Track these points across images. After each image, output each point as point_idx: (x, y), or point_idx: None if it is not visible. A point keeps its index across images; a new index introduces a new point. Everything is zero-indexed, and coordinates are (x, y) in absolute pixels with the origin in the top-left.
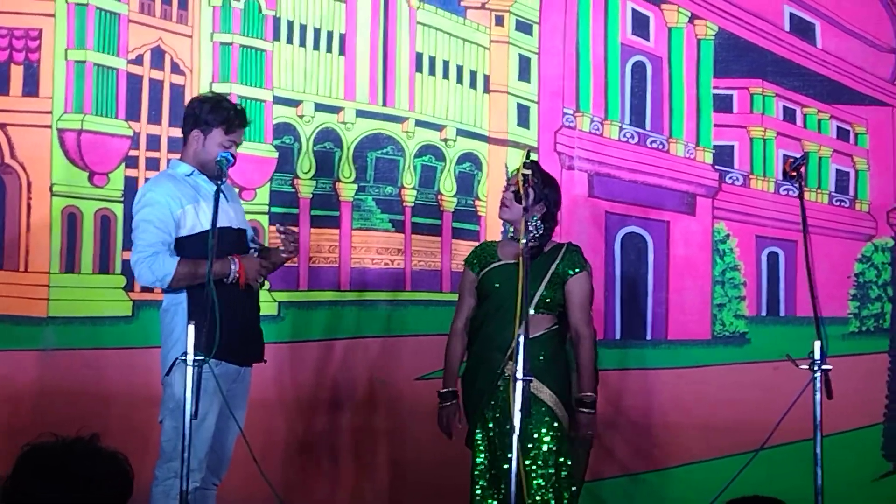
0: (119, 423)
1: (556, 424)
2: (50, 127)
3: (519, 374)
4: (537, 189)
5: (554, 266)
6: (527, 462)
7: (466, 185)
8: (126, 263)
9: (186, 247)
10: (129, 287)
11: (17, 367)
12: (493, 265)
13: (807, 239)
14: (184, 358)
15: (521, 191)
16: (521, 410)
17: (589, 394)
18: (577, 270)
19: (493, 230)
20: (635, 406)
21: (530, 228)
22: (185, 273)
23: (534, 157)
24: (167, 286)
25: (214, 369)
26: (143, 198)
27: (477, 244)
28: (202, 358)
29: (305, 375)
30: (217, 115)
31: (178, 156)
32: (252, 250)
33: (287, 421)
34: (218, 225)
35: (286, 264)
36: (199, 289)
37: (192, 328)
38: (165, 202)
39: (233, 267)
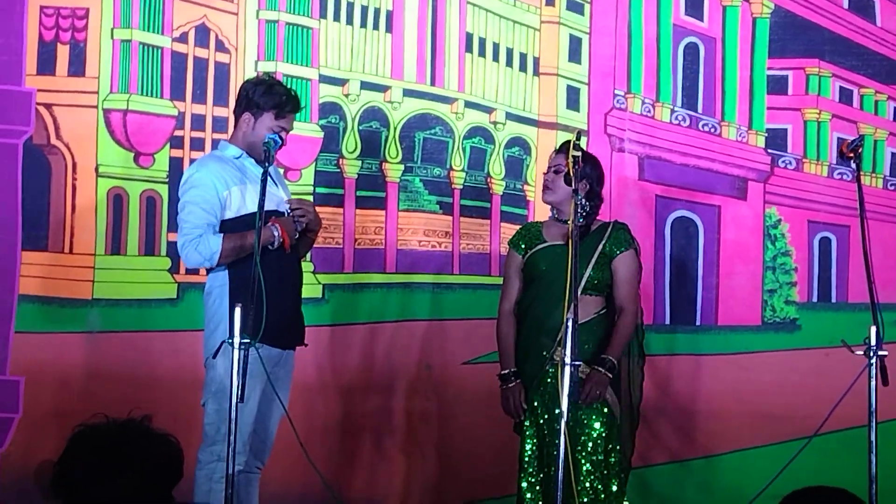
0: (164, 406)
1: (605, 410)
2: (96, 107)
3: (567, 359)
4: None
5: (601, 246)
6: (577, 447)
7: (515, 169)
8: (171, 245)
9: (232, 230)
10: (174, 269)
11: (62, 349)
12: (538, 247)
13: (864, 222)
14: (230, 341)
15: (571, 172)
16: (569, 396)
17: (611, 357)
18: (623, 249)
19: (541, 214)
20: (684, 392)
21: (578, 208)
22: (230, 248)
23: (584, 139)
24: (216, 264)
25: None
26: (188, 179)
27: (521, 226)
28: (248, 341)
29: (349, 359)
30: (269, 98)
31: (223, 136)
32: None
33: (330, 406)
34: (266, 208)
35: (332, 245)
36: (241, 271)
37: (238, 310)
38: (211, 183)
39: (276, 233)
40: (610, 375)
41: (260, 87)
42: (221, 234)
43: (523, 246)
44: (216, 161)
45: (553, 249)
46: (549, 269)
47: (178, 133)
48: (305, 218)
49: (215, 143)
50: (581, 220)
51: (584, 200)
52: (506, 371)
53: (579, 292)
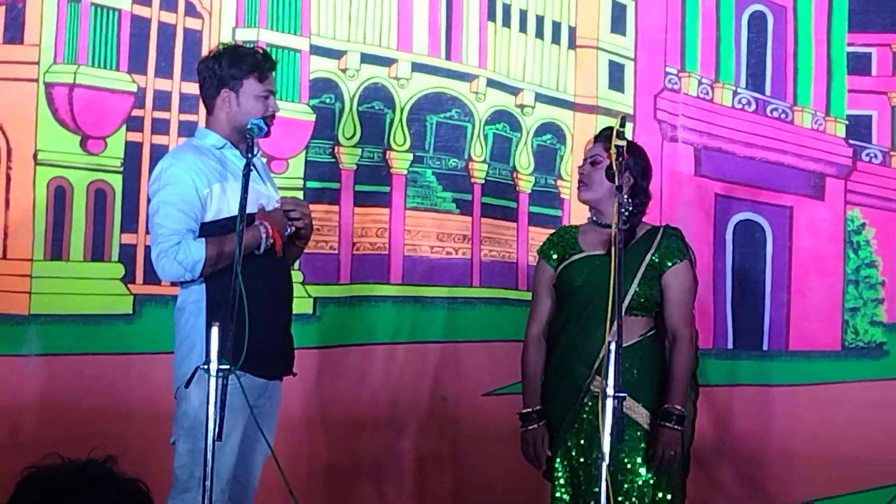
0: (122, 446)
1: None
2: (36, 81)
3: (609, 391)
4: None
5: (648, 256)
6: (619, 498)
7: (546, 161)
8: (125, 249)
9: (210, 235)
10: (128, 278)
11: None
12: (573, 257)
13: None
14: (205, 367)
15: (615, 167)
16: (611, 435)
17: (677, 406)
18: (676, 261)
19: (578, 216)
20: (748, 429)
21: (622, 209)
22: (215, 254)
23: (629, 126)
24: (198, 275)
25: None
26: (161, 175)
27: (553, 231)
28: (227, 367)
29: (345, 389)
30: (242, 64)
31: (192, 117)
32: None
33: (321, 446)
34: (249, 211)
35: (325, 250)
36: (220, 284)
37: (216, 330)
38: (189, 180)
39: (262, 233)
40: (680, 429)
41: (222, 58)
42: (203, 239)
43: (555, 256)
44: (194, 153)
45: (590, 261)
46: (586, 285)
47: (136, 113)
48: (301, 221)
49: (182, 126)
50: (624, 222)
51: (627, 198)
52: (528, 410)
53: (622, 312)
